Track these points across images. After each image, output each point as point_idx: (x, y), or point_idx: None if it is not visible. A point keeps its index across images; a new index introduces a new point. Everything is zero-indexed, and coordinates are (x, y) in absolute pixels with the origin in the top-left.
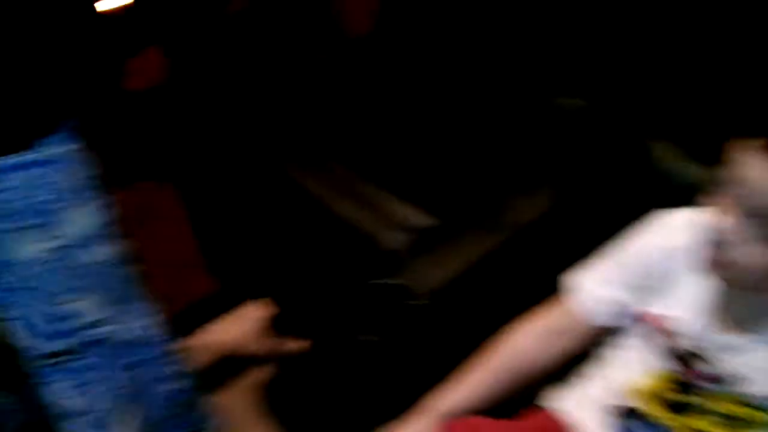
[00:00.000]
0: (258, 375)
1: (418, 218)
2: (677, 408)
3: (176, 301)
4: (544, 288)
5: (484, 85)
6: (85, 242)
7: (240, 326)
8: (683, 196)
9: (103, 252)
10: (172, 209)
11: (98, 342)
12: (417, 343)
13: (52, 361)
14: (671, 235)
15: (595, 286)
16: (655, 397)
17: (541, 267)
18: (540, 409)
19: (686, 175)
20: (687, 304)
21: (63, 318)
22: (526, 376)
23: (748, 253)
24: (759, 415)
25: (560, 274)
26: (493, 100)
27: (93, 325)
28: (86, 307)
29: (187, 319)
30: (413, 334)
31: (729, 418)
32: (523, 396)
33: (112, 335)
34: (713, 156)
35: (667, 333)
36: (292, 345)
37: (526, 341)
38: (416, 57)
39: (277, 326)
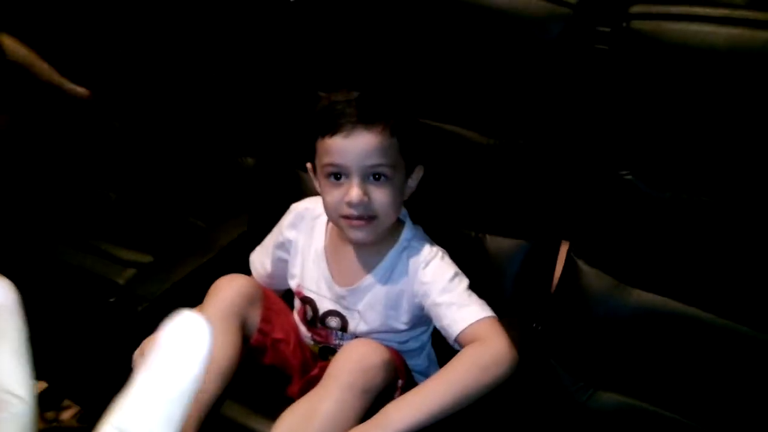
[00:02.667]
0: None
1: (137, 256)
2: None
3: None
4: None
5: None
6: None
7: None
8: None
9: None
10: None
11: None
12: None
13: None
14: (294, 211)
15: (256, 260)
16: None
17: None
18: None
19: None
20: (309, 270)
21: None
22: None
23: (377, 199)
24: None
25: None
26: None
27: None
28: None
29: None
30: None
31: None
32: None
33: None
34: None
35: (305, 300)
36: (65, 416)
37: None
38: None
39: (47, 401)
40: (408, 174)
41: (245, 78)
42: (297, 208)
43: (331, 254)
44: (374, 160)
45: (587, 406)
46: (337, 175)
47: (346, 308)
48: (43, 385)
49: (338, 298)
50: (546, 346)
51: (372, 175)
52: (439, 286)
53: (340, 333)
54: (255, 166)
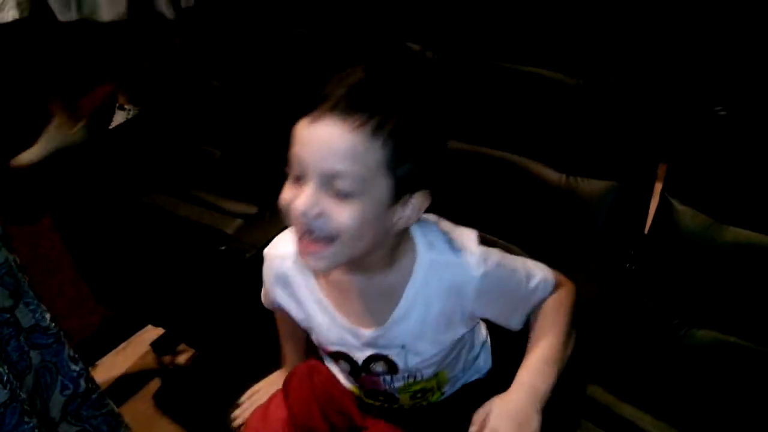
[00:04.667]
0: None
1: (246, 208)
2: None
3: (72, 335)
4: None
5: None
6: None
7: (136, 350)
8: None
9: (3, 254)
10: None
11: (5, 324)
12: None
13: None
14: (278, 243)
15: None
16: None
17: None
18: None
19: None
20: (323, 325)
21: None
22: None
23: (334, 218)
24: (432, 382)
25: None
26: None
27: (0, 310)
28: None
29: (88, 350)
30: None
31: (419, 395)
32: None
33: (15, 319)
34: None
35: (336, 355)
36: (180, 359)
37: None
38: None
39: (163, 346)
40: (396, 199)
41: (339, 28)
42: (273, 264)
43: (337, 300)
44: (332, 165)
45: (682, 343)
46: (298, 175)
47: (386, 347)
48: (160, 331)
49: (372, 341)
50: (639, 285)
51: (332, 186)
52: (503, 303)
53: (389, 377)
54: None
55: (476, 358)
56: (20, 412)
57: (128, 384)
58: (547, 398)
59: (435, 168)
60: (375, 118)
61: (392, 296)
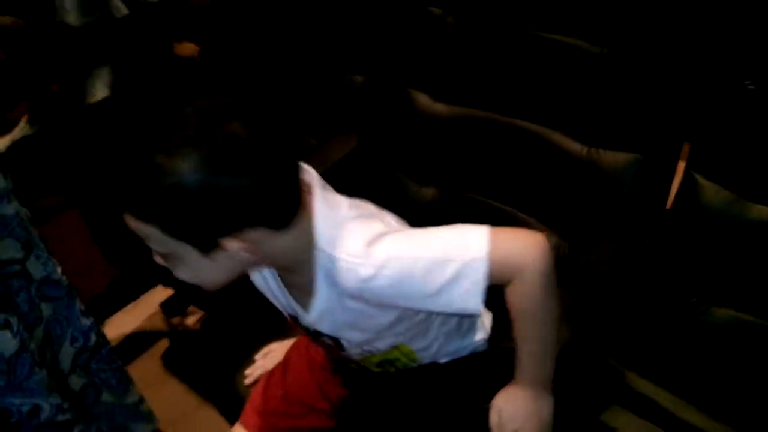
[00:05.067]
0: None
1: None
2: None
3: (85, 294)
4: None
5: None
6: (1, 199)
7: (146, 310)
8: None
9: (14, 207)
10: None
11: (17, 275)
12: None
13: None
14: None
15: None
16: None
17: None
18: None
19: (436, 111)
20: (269, 278)
21: None
22: None
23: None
24: (393, 353)
25: None
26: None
27: (11, 262)
28: (6, 248)
29: (98, 307)
30: None
31: (385, 364)
32: None
33: (26, 271)
34: None
35: (293, 319)
36: (189, 321)
37: None
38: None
39: (172, 307)
40: (206, 251)
41: None
42: None
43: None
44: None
45: (701, 321)
46: None
47: (322, 330)
48: (170, 291)
49: (308, 323)
50: (660, 262)
51: None
52: (411, 297)
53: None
54: (364, 84)
55: (465, 331)
56: (30, 363)
57: (136, 343)
58: (551, 379)
59: (232, 214)
60: (131, 210)
61: (310, 293)
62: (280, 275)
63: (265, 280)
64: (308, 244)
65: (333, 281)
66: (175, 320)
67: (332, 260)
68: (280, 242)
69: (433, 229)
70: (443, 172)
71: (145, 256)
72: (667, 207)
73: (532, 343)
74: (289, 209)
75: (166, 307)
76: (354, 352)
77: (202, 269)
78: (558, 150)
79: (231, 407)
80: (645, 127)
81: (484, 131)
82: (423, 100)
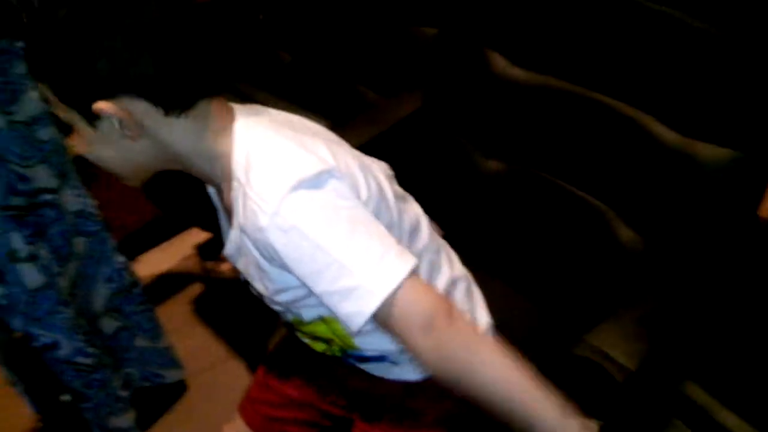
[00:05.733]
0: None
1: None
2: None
3: (118, 231)
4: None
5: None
6: (36, 121)
7: (180, 251)
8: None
9: (51, 132)
10: None
11: (50, 205)
12: None
13: (11, 213)
14: None
15: None
16: None
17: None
18: None
19: (513, 76)
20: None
21: (21, 179)
22: None
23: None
24: (321, 327)
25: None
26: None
27: (45, 190)
28: (40, 175)
29: (131, 245)
30: None
31: (320, 341)
32: None
33: (60, 202)
34: None
35: None
36: (224, 267)
37: None
38: None
39: (209, 251)
40: (89, 120)
41: None
42: None
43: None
44: None
45: None
46: None
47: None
48: (207, 235)
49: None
50: (745, 273)
51: None
52: (307, 270)
53: (277, 306)
54: (435, 37)
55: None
56: (55, 300)
57: (167, 284)
58: (560, 403)
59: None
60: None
61: (230, 223)
62: (216, 192)
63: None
64: (219, 158)
65: (242, 208)
66: (209, 264)
67: (244, 192)
68: (174, 133)
69: (363, 229)
70: (512, 143)
71: (186, 194)
72: (760, 214)
73: (500, 405)
74: (174, 89)
75: (202, 249)
76: (283, 311)
77: (96, 144)
78: (647, 135)
79: (260, 362)
80: (754, 122)
81: (563, 105)
82: (499, 62)
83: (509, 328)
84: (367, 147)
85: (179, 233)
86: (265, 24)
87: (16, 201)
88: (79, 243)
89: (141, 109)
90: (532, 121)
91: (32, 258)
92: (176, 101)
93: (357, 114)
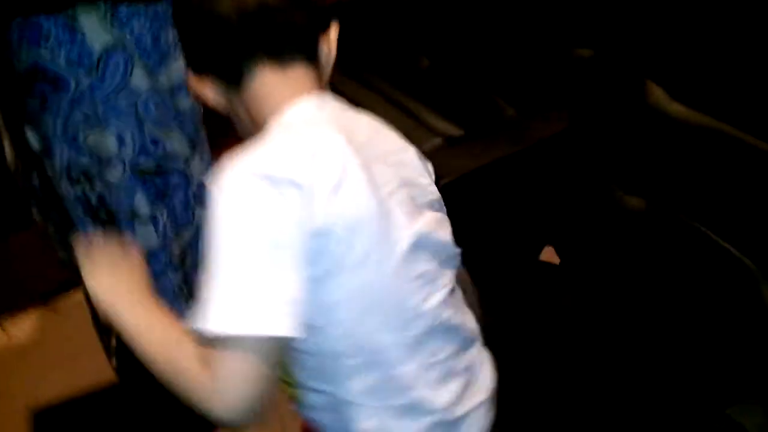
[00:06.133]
0: None
1: (448, 127)
2: None
3: None
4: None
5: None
6: (178, 90)
7: None
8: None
9: (189, 103)
10: None
11: (177, 172)
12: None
13: (138, 173)
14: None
15: None
16: None
17: (550, 178)
18: None
19: (672, 112)
20: None
21: (153, 142)
22: None
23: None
24: None
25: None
26: (518, 44)
27: (175, 157)
28: (172, 140)
29: None
30: None
31: None
32: None
33: (187, 171)
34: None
35: None
36: None
37: None
38: None
39: None
40: (198, 73)
41: None
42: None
43: None
44: None
45: None
46: None
47: None
48: None
49: None
50: None
51: None
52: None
53: None
54: (590, 60)
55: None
56: (165, 263)
57: None
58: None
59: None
60: None
61: None
62: None
63: None
64: (261, 128)
65: None
66: None
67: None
68: (236, 101)
69: (267, 258)
70: (658, 182)
71: None
72: None
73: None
74: (228, 66)
75: None
76: None
77: (217, 96)
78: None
79: None
80: None
81: (721, 148)
82: (658, 94)
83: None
84: (503, 163)
85: None
86: (407, 24)
87: (146, 163)
88: (199, 214)
89: (214, 82)
90: (684, 161)
91: (152, 219)
92: (230, 73)
93: (491, 126)
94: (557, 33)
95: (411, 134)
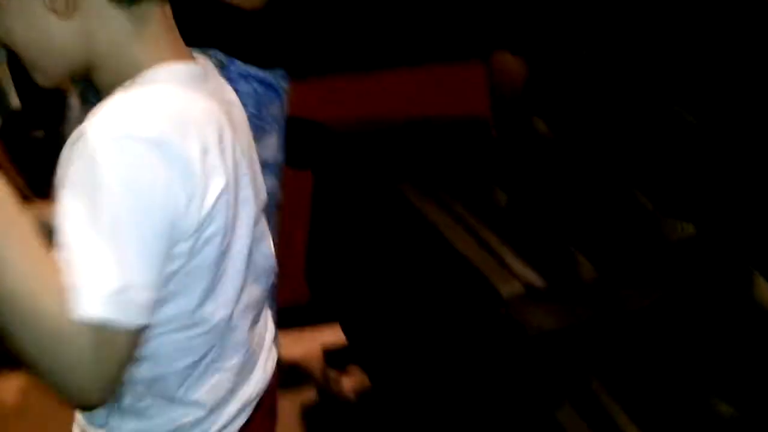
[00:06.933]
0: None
1: (528, 274)
2: None
3: None
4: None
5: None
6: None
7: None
8: None
9: (280, 108)
10: None
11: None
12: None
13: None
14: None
15: None
16: None
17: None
18: None
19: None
20: None
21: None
22: None
23: None
24: None
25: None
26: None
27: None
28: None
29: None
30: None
31: None
32: None
33: None
34: None
35: None
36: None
37: None
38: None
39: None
40: None
41: None
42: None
43: None
44: None
45: None
46: None
47: None
48: (342, 339)
49: None
50: None
51: None
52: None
53: None
54: (692, 237)
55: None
56: None
57: (282, 376)
58: None
59: None
60: None
61: None
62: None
63: None
64: (130, 74)
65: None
66: (332, 374)
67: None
68: (107, 25)
69: (145, 236)
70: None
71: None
72: None
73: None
74: None
75: (329, 354)
76: None
77: (11, 12)
78: None
79: None
80: None
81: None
82: (766, 290)
83: None
84: (591, 324)
85: (315, 324)
86: (479, 152)
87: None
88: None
89: None
90: None
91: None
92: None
93: (576, 284)
94: (655, 197)
95: (493, 274)
